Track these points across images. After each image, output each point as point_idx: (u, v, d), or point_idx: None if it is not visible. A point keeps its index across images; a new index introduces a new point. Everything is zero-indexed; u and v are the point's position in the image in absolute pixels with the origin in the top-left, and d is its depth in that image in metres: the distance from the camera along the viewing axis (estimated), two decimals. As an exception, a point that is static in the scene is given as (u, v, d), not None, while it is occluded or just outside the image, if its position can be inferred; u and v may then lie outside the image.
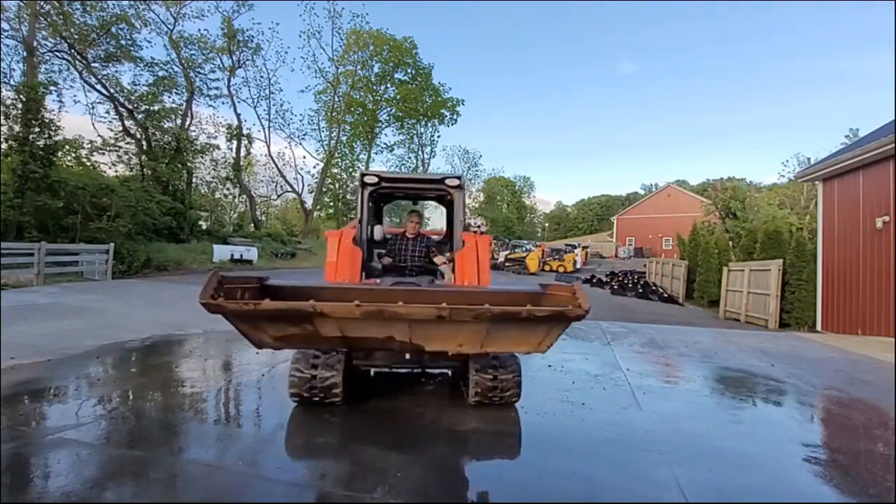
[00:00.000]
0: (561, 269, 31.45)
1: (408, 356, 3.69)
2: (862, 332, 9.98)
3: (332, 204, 43.70)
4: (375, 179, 4.41)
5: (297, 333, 2.93)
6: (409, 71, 44.21)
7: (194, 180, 28.76)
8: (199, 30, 41.06)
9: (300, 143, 41.64)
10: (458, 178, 4.44)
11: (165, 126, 24.79)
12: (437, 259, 4.71)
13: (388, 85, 44.36)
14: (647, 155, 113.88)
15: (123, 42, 23.06)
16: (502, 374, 3.74)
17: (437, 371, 4.65)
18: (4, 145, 15.95)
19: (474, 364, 3.76)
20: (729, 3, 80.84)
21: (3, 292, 9.75)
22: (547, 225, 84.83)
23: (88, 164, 21.84)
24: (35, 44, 19.92)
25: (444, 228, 5.26)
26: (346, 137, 42.58)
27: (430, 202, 5.38)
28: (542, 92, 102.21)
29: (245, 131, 32.86)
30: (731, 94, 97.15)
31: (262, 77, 35.15)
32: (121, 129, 23.62)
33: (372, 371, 4.44)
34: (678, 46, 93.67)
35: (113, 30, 22.51)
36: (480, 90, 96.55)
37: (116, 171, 23.73)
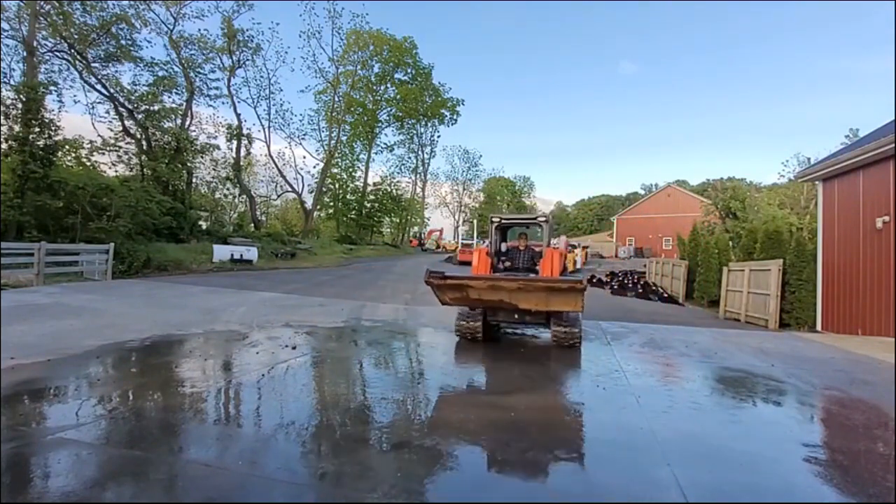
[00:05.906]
0: None
1: (516, 316, 6.53)
2: (862, 332, 9.97)
3: (332, 204, 43.67)
4: (499, 220, 7.74)
5: (458, 296, 6.02)
6: (408, 71, 44.29)
7: (194, 180, 28.66)
8: (199, 30, 41.16)
9: (300, 143, 41.59)
10: (546, 216, 7.64)
11: (165, 126, 24.71)
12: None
13: (388, 85, 44.41)
14: (647, 155, 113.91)
15: (123, 42, 22.98)
16: (569, 328, 6.54)
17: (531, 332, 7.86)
18: (4, 145, 15.91)
19: (554, 322, 6.60)
20: (729, 3, 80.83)
21: (3, 292, 9.75)
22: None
23: (88, 164, 21.77)
24: (35, 44, 19.86)
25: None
26: (346, 137, 42.62)
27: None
28: (543, 92, 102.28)
29: (245, 131, 32.77)
30: (731, 95, 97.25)
31: (262, 77, 35.08)
32: (121, 129, 23.54)
33: (501, 328, 7.86)
34: (678, 47, 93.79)
35: (113, 30, 22.44)
36: (481, 90, 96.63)
37: (116, 171, 23.65)
